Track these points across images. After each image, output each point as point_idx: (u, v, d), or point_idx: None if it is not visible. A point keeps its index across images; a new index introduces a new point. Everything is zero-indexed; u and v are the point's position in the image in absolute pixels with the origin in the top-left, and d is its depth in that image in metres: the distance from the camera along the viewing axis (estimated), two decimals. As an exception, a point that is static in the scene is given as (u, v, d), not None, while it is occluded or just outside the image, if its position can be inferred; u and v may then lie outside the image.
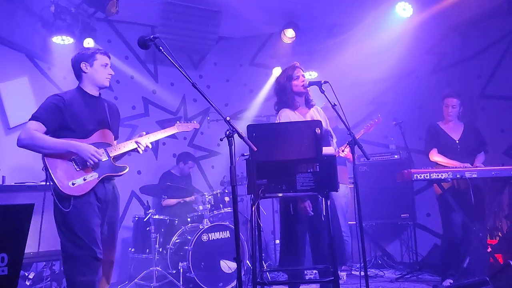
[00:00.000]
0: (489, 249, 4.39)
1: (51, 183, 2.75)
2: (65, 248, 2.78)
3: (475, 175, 3.97)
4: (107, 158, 2.95)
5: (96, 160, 2.82)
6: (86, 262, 2.74)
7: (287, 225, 3.36)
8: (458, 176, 3.98)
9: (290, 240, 3.35)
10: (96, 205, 2.86)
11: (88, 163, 2.81)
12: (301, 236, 3.35)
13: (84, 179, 2.81)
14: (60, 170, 2.77)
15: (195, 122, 3.69)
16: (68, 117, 2.85)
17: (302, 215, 3.25)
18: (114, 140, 3.13)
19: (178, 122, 3.55)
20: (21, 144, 2.76)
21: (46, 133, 2.81)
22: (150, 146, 3.17)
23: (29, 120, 2.80)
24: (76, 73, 3.02)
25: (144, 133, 3.21)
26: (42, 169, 2.81)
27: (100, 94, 3.08)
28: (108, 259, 2.96)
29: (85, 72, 2.98)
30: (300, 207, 3.22)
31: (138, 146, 3.08)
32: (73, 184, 2.77)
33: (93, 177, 2.85)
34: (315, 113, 3.49)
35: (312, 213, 3.19)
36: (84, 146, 2.81)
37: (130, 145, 3.07)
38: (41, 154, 2.78)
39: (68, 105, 2.86)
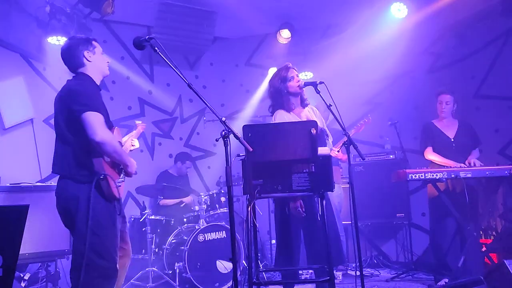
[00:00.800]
0: (483, 249, 4.42)
1: (104, 185, 2.56)
2: (86, 255, 2.48)
3: (469, 175, 4.00)
4: None
5: (136, 173, 2.83)
6: (108, 274, 2.57)
7: (283, 225, 3.36)
8: (452, 176, 4.00)
9: (285, 240, 3.35)
10: (120, 208, 2.79)
11: (132, 175, 2.80)
12: (296, 236, 3.35)
13: (121, 181, 2.77)
14: (109, 169, 2.65)
15: (141, 122, 3.55)
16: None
17: (295, 215, 3.26)
18: None
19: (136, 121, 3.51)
20: (104, 146, 2.52)
21: None
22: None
23: (90, 111, 2.52)
24: (76, 63, 2.75)
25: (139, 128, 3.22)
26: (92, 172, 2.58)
27: None
28: (129, 253, 2.91)
29: (90, 61, 2.75)
30: (292, 207, 3.22)
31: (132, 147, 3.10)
32: (118, 185, 2.68)
33: (123, 178, 2.82)
34: (310, 113, 3.49)
35: (304, 214, 3.19)
36: (133, 161, 2.78)
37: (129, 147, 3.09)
38: (88, 150, 2.57)
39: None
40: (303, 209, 3.18)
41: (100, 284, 2.53)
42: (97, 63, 2.79)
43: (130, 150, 3.11)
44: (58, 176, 2.69)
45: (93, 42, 2.80)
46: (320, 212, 3.09)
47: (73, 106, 2.56)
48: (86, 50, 2.75)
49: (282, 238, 3.38)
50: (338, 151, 4.61)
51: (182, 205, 5.55)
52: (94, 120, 2.52)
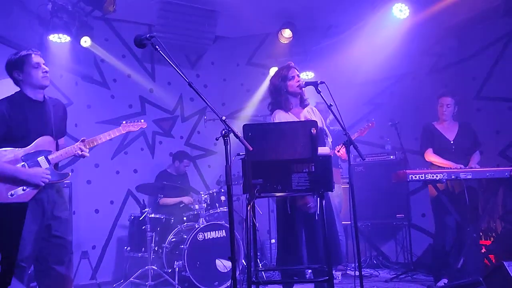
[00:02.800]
0: (483, 250, 4.42)
1: None
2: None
3: (469, 176, 4.00)
4: (48, 166, 2.94)
5: (47, 181, 2.85)
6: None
7: (285, 224, 3.36)
8: (453, 177, 4.00)
9: (288, 240, 3.35)
10: (34, 217, 2.81)
11: (41, 186, 2.84)
12: (299, 235, 3.35)
13: (24, 189, 2.81)
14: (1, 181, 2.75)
15: (142, 121, 3.57)
16: (12, 126, 2.82)
17: (302, 212, 3.26)
18: (62, 137, 3.15)
19: (124, 122, 3.47)
20: None
21: None
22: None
23: None
24: (14, 82, 2.97)
25: (84, 138, 3.14)
26: None
27: (44, 96, 3.04)
28: (60, 268, 2.94)
29: (21, 80, 2.93)
30: (299, 205, 3.22)
31: (82, 152, 3.04)
32: (11, 195, 2.76)
33: (27, 187, 2.84)
34: (309, 113, 3.49)
35: (314, 210, 3.19)
36: (32, 172, 2.82)
37: (71, 151, 3.04)
38: None
39: (12, 113, 2.83)
40: (314, 205, 3.18)
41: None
42: (28, 80, 2.93)
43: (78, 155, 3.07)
44: None
45: (24, 58, 2.90)
46: (318, 211, 3.10)
47: None
48: (15, 71, 2.92)
49: (284, 237, 3.38)
50: (338, 151, 4.60)
51: (181, 206, 5.55)
52: None
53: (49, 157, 2.96)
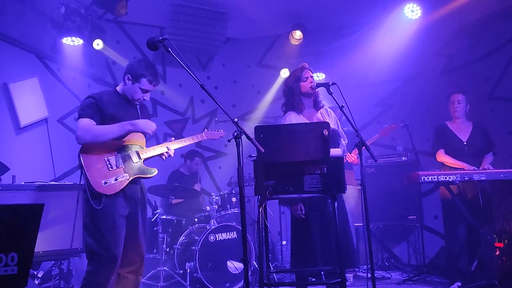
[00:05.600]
0: (497, 252, 4.36)
1: (84, 181, 2.81)
2: (88, 246, 2.83)
3: (483, 178, 3.94)
4: (138, 160, 3.02)
5: (153, 130, 3.01)
6: (103, 262, 2.79)
7: (299, 226, 3.36)
8: (466, 178, 3.95)
9: (302, 242, 3.35)
10: (125, 205, 2.92)
11: (147, 134, 3.03)
12: (315, 237, 3.34)
13: (116, 179, 2.87)
14: (94, 169, 2.83)
15: (221, 130, 3.72)
16: (105, 117, 2.94)
17: (316, 214, 3.27)
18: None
19: (205, 129, 3.62)
20: (81, 140, 2.83)
21: None
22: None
23: (78, 119, 2.90)
24: (123, 76, 3.10)
25: (173, 138, 3.27)
26: (78, 167, 2.88)
27: None
28: (140, 254, 3.03)
29: (125, 84, 3.07)
30: (292, 210, 3.23)
31: (168, 151, 3.14)
32: (105, 183, 2.82)
33: (124, 177, 2.91)
34: (323, 115, 3.49)
35: (304, 216, 3.20)
36: (139, 122, 2.97)
37: (159, 149, 3.14)
38: (77, 152, 2.86)
39: (106, 105, 2.95)
40: (303, 212, 3.19)
41: (96, 269, 2.79)
42: (129, 90, 3.07)
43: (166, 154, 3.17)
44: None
45: (142, 79, 3.03)
46: (331, 213, 3.08)
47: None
48: (128, 75, 3.05)
49: (300, 239, 3.37)
50: (351, 156, 4.57)
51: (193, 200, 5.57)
52: (79, 125, 2.88)
53: (140, 152, 3.04)
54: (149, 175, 3.06)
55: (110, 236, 2.80)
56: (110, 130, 2.88)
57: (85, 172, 2.80)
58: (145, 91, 3.05)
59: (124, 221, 2.91)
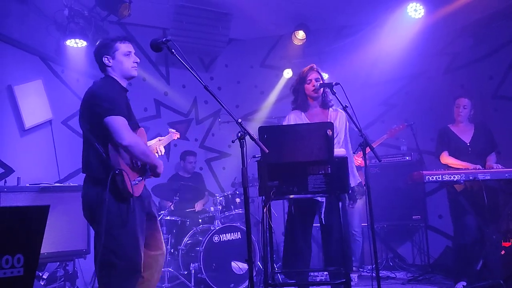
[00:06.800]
0: (503, 252, 4.34)
1: (119, 182, 2.54)
2: (108, 256, 2.53)
3: (488, 177, 3.93)
4: None
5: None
6: (128, 275, 2.57)
7: (288, 224, 3.44)
8: (471, 178, 3.94)
9: (289, 240, 3.41)
10: (144, 206, 2.78)
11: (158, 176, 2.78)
12: (303, 237, 3.35)
13: (140, 179, 2.73)
14: (126, 167, 2.62)
15: (175, 130, 3.58)
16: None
17: (309, 213, 3.29)
18: None
19: (170, 129, 3.57)
20: (129, 150, 2.57)
21: None
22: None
23: (114, 115, 2.56)
24: (101, 67, 2.82)
25: (161, 138, 3.25)
26: (105, 165, 2.58)
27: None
28: (161, 251, 2.89)
29: (109, 66, 2.78)
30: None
31: (157, 152, 3.11)
32: (134, 183, 2.63)
33: (142, 177, 2.77)
34: (331, 116, 3.48)
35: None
36: (160, 162, 2.76)
37: (154, 147, 3.11)
38: (101, 151, 2.59)
39: (121, 100, 2.69)
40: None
41: (119, 283, 2.54)
42: (117, 67, 2.78)
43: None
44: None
45: (117, 44, 2.77)
46: (333, 213, 3.09)
47: (96, 109, 2.59)
48: (105, 56, 2.77)
49: (288, 237, 3.43)
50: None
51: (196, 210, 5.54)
52: (118, 124, 2.55)
53: None
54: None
55: (136, 243, 2.59)
56: (151, 157, 2.69)
57: (122, 173, 2.54)
58: (127, 53, 2.78)
59: (144, 226, 2.72)
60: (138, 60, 2.86)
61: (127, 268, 2.56)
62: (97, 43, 2.85)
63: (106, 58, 2.77)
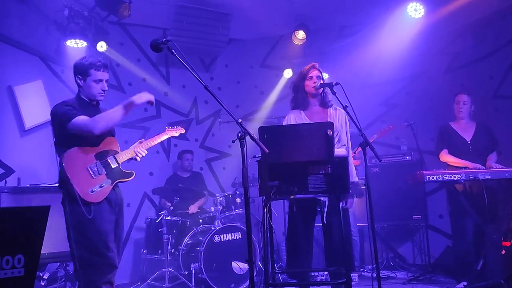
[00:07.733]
0: (503, 252, 4.34)
1: (66, 193, 2.81)
2: (81, 259, 2.77)
3: (488, 177, 3.93)
4: (117, 165, 3.03)
5: (152, 97, 3.03)
6: (104, 270, 2.80)
7: (290, 224, 3.43)
8: (471, 177, 3.94)
9: (291, 240, 3.41)
10: (111, 211, 2.94)
11: (152, 103, 3.04)
12: (305, 236, 3.35)
13: (101, 186, 2.89)
14: (79, 178, 2.82)
15: (180, 127, 3.86)
16: None
17: (310, 213, 3.28)
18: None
19: (167, 127, 3.72)
20: (97, 130, 2.81)
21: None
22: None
23: (73, 120, 2.82)
24: (75, 82, 3.07)
25: (143, 140, 3.32)
26: (59, 180, 2.88)
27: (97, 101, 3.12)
28: (119, 258, 3.02)
29: (80, 86, 3.03)
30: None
31: (137, 155, 3.20)
32: (92, 191, 2.83)
33: (107, 183, 2.92)
34: (330, 114, 3.48)
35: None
36: (135, 97, 2.97)
37: (130, 154, 3.18)
38: (58, 162, 2.87)
39: (79, 109, 2.92)
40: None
41: (93, 278, 2.79)
42: (86, 89, 3.02)
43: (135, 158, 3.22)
44: None
45: (91, 71, 2.97)
46: (329, 214, 3.09)
47: (55, 123, 2.93)
48: (78, 76, 3.01)
49: (290, 237, 3.42)
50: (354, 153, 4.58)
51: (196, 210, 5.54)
52: (79, 123, 2.82)
53: (116, 156, 3.05)
54: (128, 178, 3.09)
55: (103, 243, 2.80)
56: (116, 111, 2.90)
57: (71, 183, 2.77)
58: (98, 80, 2.99)
59: (113, 225, 2.94)
60: (106, 89, 3.06)
61: (105, 264, 2.80)
62: (77, 61, 3.05)
63: (78, 78, 3.02)
